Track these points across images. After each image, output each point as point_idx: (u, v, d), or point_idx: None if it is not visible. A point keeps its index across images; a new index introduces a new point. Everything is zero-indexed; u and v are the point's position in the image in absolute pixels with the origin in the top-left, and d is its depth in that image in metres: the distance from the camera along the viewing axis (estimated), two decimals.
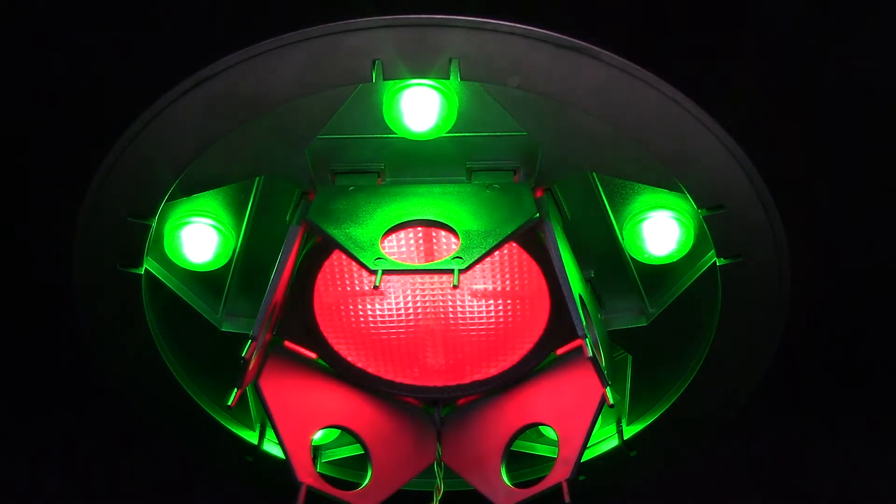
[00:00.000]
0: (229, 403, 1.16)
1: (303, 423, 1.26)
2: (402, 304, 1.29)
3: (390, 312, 1.30)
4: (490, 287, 1.28)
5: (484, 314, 1.29)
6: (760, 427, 1.56)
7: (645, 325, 1.31)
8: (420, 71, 1.15)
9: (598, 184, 1.26)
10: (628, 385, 1.35)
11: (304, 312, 1.29)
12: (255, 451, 1.37)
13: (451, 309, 1.29)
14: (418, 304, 1.29)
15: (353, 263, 1.24)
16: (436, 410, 1.35)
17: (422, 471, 1.32)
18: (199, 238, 1.27)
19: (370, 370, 1.33)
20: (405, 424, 1.34)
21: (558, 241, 1.19)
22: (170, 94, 1.16)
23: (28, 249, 1.59)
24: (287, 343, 1.30)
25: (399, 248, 1.25)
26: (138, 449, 1.51)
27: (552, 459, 1.32)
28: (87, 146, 1.29)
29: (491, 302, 1.29)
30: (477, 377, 1.33)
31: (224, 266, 1.30)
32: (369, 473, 1.28)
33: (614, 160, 1.21)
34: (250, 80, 1.15)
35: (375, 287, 1.13)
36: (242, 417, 1.38)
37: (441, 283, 1.28)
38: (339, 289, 1.29)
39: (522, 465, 1.40)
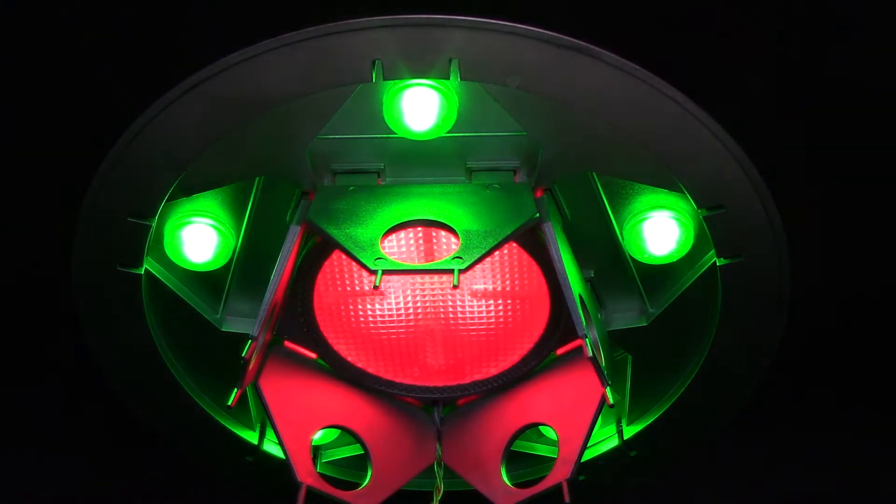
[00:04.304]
0: (229, 403, 1.16)
1: (303, 423, 1.26)
2: (402, 304, 1.29)
3: (390, 312, 1.30)
4: (490, 287, 1.28)
5: (484, 314, 1.29)
6: (760, 427, 1.56)
7: (645, 325, 1.31)
8: (420, 71, 1.15)
9: (598, 184, 1.26)
10: (628, 385, 1.35)
11: (304, 312, 1.29)
12: (255, 451, 1.37)
13: (451, 309, 1.29)
14: (418, 304, 1.29)
15: (353, 263, 1.24)
16: (436, 410, 1.35)
17: (422, 471, 1.32)
18: (199, 238, 1.27)
19: (370, 370, 1.33)
20: (405, 424, 1.34)
21: (558, 241, 1.19)
22: (170, 94, 1.16)
23: (28, 249, 1.59)
24: (287, 343, 1.30)
25: (399, 248, 1.25)
26: (138, 449, 1.51)
27: (552, 459, 1.32)
28: (87, 146, 1.29)
29: (491, 302, 1.29)
30: (477, 377, 1.33)
31: (224, 266, 1.30)
32: (369, 473, 1.28)
33: (614, 160, 1.21)
34: (250, 80, 1.15)
35: (375, 287, 1.13)
36: (242, 417, 1.38)
37: (441, 283, 1.28)
38: (339, 289, 1.29)
39: (522, 465, 1.40)
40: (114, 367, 1.31)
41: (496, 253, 1.25)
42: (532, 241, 1.25)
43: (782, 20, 1.47)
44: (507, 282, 1.28)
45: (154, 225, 1.23)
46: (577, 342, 1.18)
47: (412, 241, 1.25)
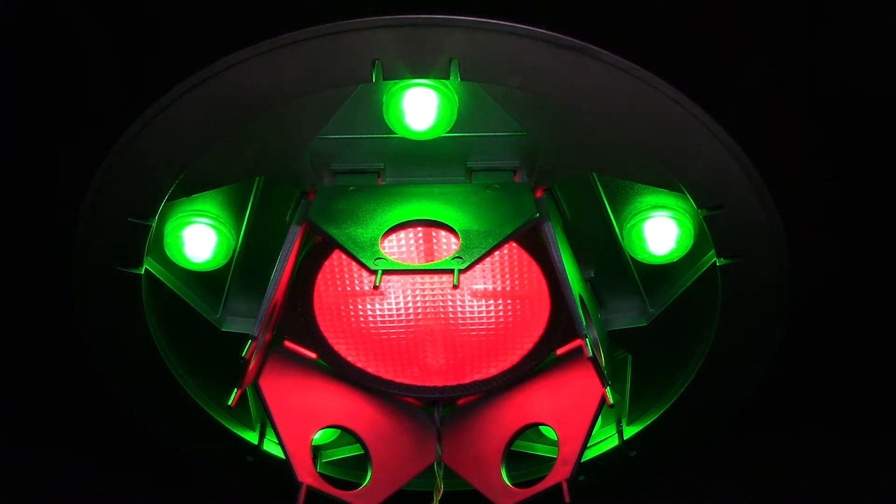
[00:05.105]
0: (229, 403, 1.16)
1: (303, 423, 1.26)
2: (402, 304, 1.29)
3: (390, 312, 1.30)
4: (490, 287, 1.28)
5: (484, 314, 1.29)
6: (760, 427, 1.56)
7: (645, 325, 1.31)
8: (420, 71, 1.15)
9: (598, 184, 1.26)
10: (628, 385, 1.35)
11: (304, 312, 1.29)
12: (255, 451, 1.38)
13: (451, 309, 1.29)
14: (418, 304, 1.29)
15: (353, 263, 1.24)
16: (436, 410, 1.35)
17: (422, 471, 1.32)
18: (199, 238, 1.27)
19: (370, 370, 1.33)
20: (405, 424, 1.34)
21: (558, 241, 1.19)
22: (170, 94, 1.16)
23: (28, 249, 1.59)
24: (287, 343, 1.30)
25: (399, 248, 1.26)
26: (138, 449, 1.51)
27: (552, 459, 1.32)
28: (86, 146, 1.29)
29: (491, 302, 1.29)
30: (477, 377, 1.33)
31: (224, 266, 1.30)
32: (369, 473, 1.28)
33: (614, 160, 1.21)
34: (250, 80, 1.15)
35: (375, 287, 1.13)
36: (242, 417, 1.38)
37: (441, 283, 1.28)
38: (339, 289, 1.29)
39: (522, 465, 1.40)
40: (114, 367, 1.31)
41: (496, 253, 1.25)
42: (532, 241, 1.25)
43: (782, 20, 1.47)
44: (507, 282, 1.28)
45: (154, 225, 1.23)
46: (577, 342, 1.18)
47: (412, 241, 1.26)
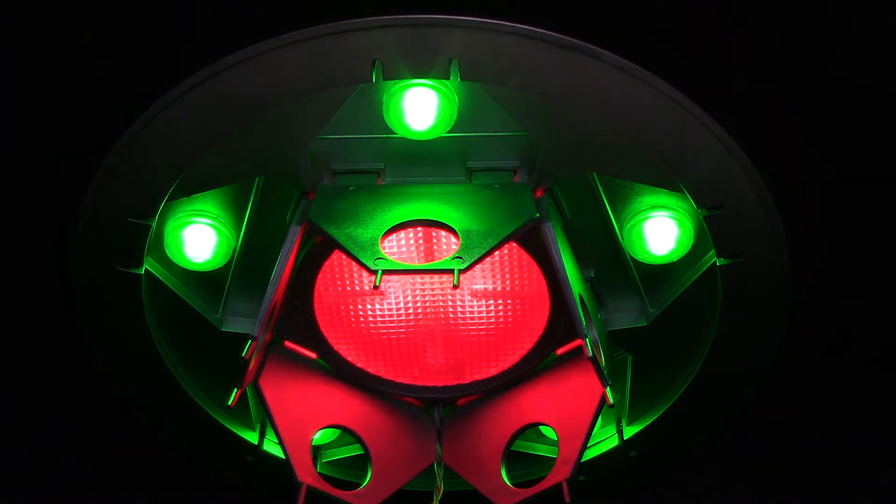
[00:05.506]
0: (229, 403, 1.16)
1: (303, 423, 1.26)
2: (402, 304, 1.29)
3: (390, 312, 1.30)
4: (490, 287, 1.28)
5: (484, 314, 1.29)
6: (760, 427, 1.56)
7: (645, 325, 1.31)
8: (420, 71, 1.15)
9: (598, 184, 1.26)
10: (628, 385, 1.35)
11: (304, 312, 1.29)
12: (255, 451, 1.37)
13: (451, 309, 1.29)
14: (418, 304, 1.29)
15: (353, 263, 1.24)
16: (436, 410, 1.35)
17: (422, 471, 1.32)
18: (199, 238, 1.27)
19: (370, 370, 1.33)
20: (405, 424, 1.34)
21: (558, 241, 1.19)
22: (170, 94, 1.16)
23: (28, 249, 1.59)
24: (287, 343, 1.30)
25: (399, 248, 1.26)
26: (138, 449, 1.51)
27: (552, 459, 1.32)
28: (87, 146, 1.29)
29: (491, 302, 1.29)
30: (477, 377, 1.33)
31: (224, 266, 1.30)
32: (369, 473, 1.28)
33: (614, 160, 1.21)
34: (250, 80, 1.15)
35: (375, 287, 1.13)
36: (242, 417, 1.38)
37: (441, 283, 1.28)
38: (339, 289, 1.29)
39: (522, 465, 1.40)
40: (114, 367, 1.31)
41: (496, 253, 1.25)
42: (532, 241, 1.25)
43: (783, 20, 1.47)
44: (507, 282, 1.28)
45: (154, 225, 1.23)
46: (577, 342, 1.18)
47: (412, 241, 1.26)
